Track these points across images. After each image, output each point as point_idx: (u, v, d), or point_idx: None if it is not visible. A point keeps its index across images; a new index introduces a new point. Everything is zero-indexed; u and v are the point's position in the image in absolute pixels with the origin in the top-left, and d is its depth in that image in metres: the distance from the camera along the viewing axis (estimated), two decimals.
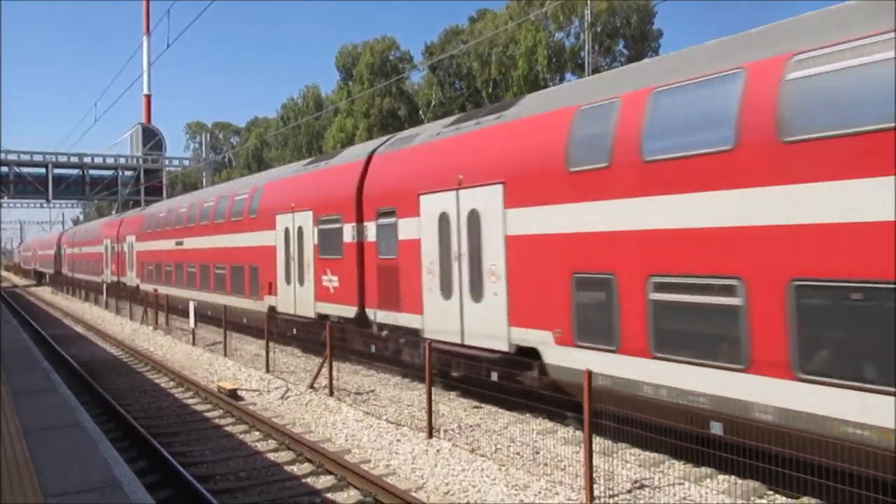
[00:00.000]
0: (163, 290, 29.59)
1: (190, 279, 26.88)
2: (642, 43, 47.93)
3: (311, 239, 17.68)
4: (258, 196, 21.19)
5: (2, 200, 59.31)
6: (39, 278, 74.68)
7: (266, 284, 20.01)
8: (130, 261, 36.29)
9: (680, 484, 8.49)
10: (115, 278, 39.28)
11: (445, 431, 11.10)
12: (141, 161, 63.49)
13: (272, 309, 19.53)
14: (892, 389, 6.64)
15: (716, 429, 8.17)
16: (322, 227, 17.18)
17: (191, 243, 27.13)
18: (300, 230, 18.20)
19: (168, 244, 30.03)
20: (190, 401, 14.68)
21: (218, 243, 24.03)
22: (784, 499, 7.84)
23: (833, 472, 6.86)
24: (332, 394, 14.01)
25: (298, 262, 18.23)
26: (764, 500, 8.01)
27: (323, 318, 16.79)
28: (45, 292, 56.31)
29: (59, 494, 5.78)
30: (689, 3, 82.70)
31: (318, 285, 17.35)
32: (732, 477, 8.33)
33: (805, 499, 7.68)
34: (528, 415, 11.71)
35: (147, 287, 32.33)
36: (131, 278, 35.97)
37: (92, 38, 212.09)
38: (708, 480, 8.53)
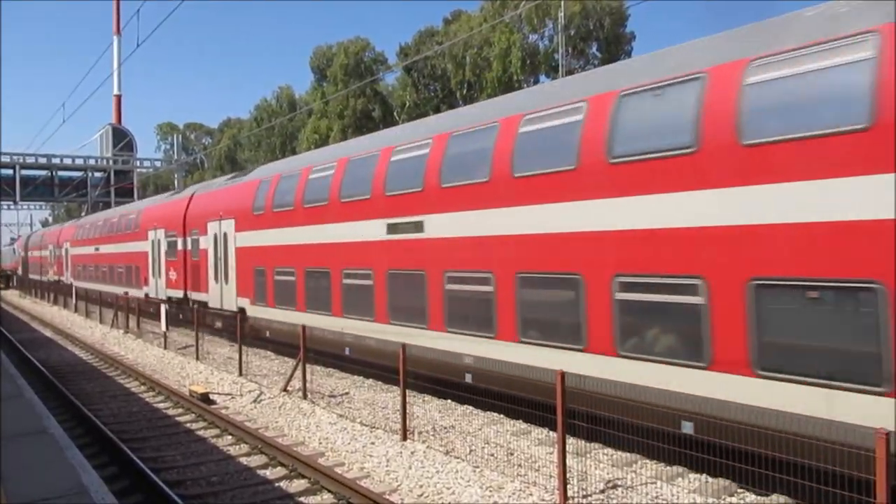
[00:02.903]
0: None
1: None
2: (616, 45, 48.32)
3: (162, 247, 27.30)
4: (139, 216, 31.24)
5: None
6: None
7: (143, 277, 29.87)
8: None
9: (652, 483, 8.57)
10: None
11: (420, 433, 11.09)
12: (111, 162, 62.58)
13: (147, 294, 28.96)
14: None
15: (687, 428, 8.28)
16: (168, 239, 26.58)
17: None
18: (159, 241, 27.59)
19: None
20: (161, 405, 14.49)
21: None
22: (754, 497, 7.96)
23: (802, 469, 6.98)
24: (305, 397, 13.93)
25: (159, 263, 27.83)
26: (734, 499, 8.11)
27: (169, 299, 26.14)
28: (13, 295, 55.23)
29: (26, 502, 5.67)
30: (668, 3, 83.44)
31: (167, 278, 26.94)
32: (704, 476, 8.43)
33: (774, 496, 7.80)
34: (502, 416, 11.75)
35: None
36: None
37: (59, 38, 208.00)
38: (680, 479, 8.63)
